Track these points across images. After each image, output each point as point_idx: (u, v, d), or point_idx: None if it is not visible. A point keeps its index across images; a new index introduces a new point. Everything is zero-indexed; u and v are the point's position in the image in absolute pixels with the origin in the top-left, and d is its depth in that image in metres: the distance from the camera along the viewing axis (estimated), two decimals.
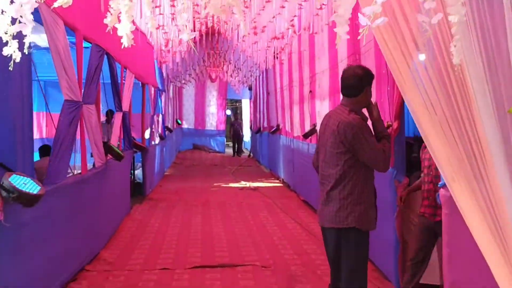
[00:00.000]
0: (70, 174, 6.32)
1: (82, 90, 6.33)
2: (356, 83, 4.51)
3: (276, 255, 7.72)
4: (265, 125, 20.61)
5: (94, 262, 7.23)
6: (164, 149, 18.12)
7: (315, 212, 10.90)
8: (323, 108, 10.14)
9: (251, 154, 26.55)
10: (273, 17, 10.46)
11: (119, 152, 7.94)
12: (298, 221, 10.10)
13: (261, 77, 21.62)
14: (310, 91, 11.22)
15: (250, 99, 30.93)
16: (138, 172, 14.36)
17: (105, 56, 7.63)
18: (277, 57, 14.84)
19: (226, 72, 25.09)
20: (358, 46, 7.44)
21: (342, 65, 8.51)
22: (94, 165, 7.25)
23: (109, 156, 7.90)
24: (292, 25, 9.96)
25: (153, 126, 15.03)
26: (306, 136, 10.90)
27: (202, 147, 29.44)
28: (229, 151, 28.86)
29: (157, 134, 16.04)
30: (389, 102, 6.06)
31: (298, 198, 12.91)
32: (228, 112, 30.30)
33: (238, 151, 27.69)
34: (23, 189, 3.86)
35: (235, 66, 22.31)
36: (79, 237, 6.41)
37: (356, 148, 4.32)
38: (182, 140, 28.38)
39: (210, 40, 19.13)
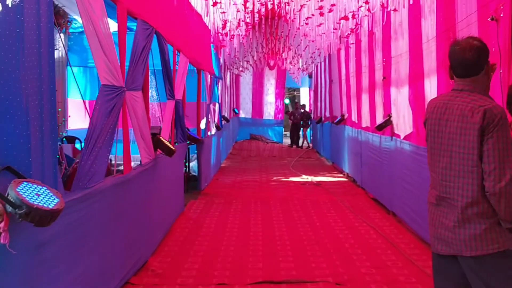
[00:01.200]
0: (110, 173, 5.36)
1: (126, 75, 5.33)
2: (475, 57, 3.37)
3: (350, 268, 6.59)
4: (327, 115, 19.40)
5: (141, 273, 6.26)
6: (221, 139, 17.18)
7: (388, 213, 9.77)
8: (401, 96, 8.92)
9: (310, 145, 25.42)
10: None
11: (170, 146, 6.92)
12: (371, 224, 8.93)
13: (323, 64, 20.40)
14: (384, 78, 10.00)
15: (310, 87, 29.76)
16: (193, 165, 13.45)
17: (155, 36, 6.62)
18: (343, 41, 13.64)
19: (285, 59, 23.97)
20: (453, 19, 6.20)
21: (428, 46, 7.28)
22: (140, 161, 6.24)
23: (159, 151, 6.92)
24: (367, 1, 8.76)
25: (209, 115, 14.07)
26: (379, 128, 9.70)
27: (260, 137, 28.47)
28: (287, 141, 27.74)
29: (213, 124, 15.09)
30: (502, 88, 4.85)
31: (366, 196, 11.72)
32: (287, 101, 29.13)
33: (296, 142, 26.46)
34: (34, 203, 2.86)
35: (295, 53, 21.14)
36: (121, 246, 5.43)
37: (489, 143, 3.16)
38: (239, 130, 27.46)
39: (270, 24, 18.03)
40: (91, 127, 4.33)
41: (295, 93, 39.93)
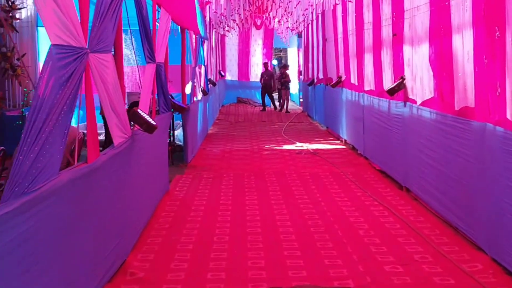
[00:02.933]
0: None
1: (89, 33, 4.07)
2: None
3: (372, 266, 5.45)
4: (321, 76, 18.17)
5: (118, 277, 5.08)
6: (207, 105, 15.95)
7: (401, 189, 8.64)
8: (417, 56, 7.72)
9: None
10: None
11: (150, 121, 5.65)
12: (383, 204, 7.80)
13: (315, 22, 19.06)
14: (394, 35, 8.77)
15: (299, 47, 28.45)
16: (178, 133, 12.26)
17: None
18: None
19: (274, 18, 22.60)
20: None
21: None
22: (112, 142, 4.98)
23: (136, 126, 5.68)
24: None
25: (195, 79, 12.82)
26: (391, 92, 8.48)
27: (247, 100, 27.29)
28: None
29: (200, 89, 13.83)
30: None
31: (371, 167, 10.59)
32: (275, 62, 27.85)
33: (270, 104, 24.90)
34: None
35: (285, 10, 19.78)
36: (90, 250, 4.24)
37: None
38: (226, 94, 26.18)
39: None
40: (35, 104, 3.08)
41: (281, 54, 38.59)
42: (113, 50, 5.06)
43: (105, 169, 4.43)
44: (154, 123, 5.67)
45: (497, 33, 5.01)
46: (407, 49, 8.20)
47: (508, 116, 4.89)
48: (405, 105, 8.36)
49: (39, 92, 3.12)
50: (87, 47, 3.91)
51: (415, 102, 7.88)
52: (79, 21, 3.75)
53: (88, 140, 4.10)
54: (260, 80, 24.56)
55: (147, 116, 5.66)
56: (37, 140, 3.04)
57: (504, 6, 4.86)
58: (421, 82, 7.63)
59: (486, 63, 5.29)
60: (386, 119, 9.50)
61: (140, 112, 5.58)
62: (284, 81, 24.04)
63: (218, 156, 12.42)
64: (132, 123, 5.57)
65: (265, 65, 24.86)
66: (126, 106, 10.01)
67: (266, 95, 24.25)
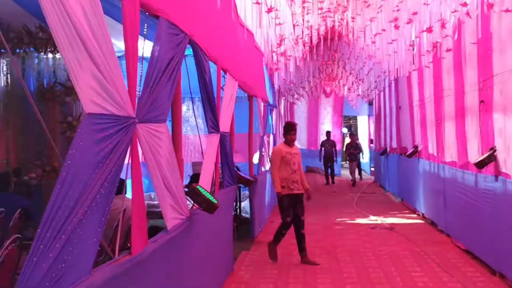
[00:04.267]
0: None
1: (137, 100, 3.50)
2: None
3: None
4: (394, 145, 17.32)
5: None
6: None
7: (493, 274, 7.65)
8: (511, 124, 6.88)
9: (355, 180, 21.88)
10: None
11: (212, 199, 5.00)
12: None
13: (387, 89, 18.37)
14: (481, 102, 7.97)
15: (370, 115, 27.75)
16: (245, 205, 11.61)
17: (188, 46, 4.80)
18: (416, 60, 11.63)
19: (344, 85, 22.07)
20: None
21: None
22: (166, 228, 4.29)
23: (195, 204, 5.03)
24: (465, 3, 6.79)
25: (263, 148, 12.24)
26: (481, 164, 7.59)
27: (316, 169, 26.47)
28: (345, 173, 25.56)
29: (268, 158, 13.22)
30: None
31: (454, 246, 9.60)
32: (345, 130, 27.15)
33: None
34: None
35: (356, 77, 19.23)
36: None
37: None
38: None
39: (329, 46, 16.19)
40: (59, 188, 2.47)
41: (351, 121, 37.90)
42: (170, 118, 4.50)
43: (154, 260, 3.74)
44: (216, 202, 5.01)
45: None
46: (498, 118, 7.36)
47: None
48: (496, 180, 7.46)
49: (64, 172, 2.51)
50: (134, 116, 3.33)
51: (509, 176, 6.99)
52: (126, 86, 3.18)
53: (133, 224, 3.45)
54: (320, 149, 22.96)
55: (208, 194, 5.01)
56: (59, 234, 2.41)
57: None
58: None
59: None
60: (472, 193, 8.58)
61: (200, 188, 4.94)
62: (350, 152, 22.07)
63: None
64: (190, 200, 4.93)
65: (327, 133, 23.41)
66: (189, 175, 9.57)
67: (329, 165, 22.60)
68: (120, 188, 4.11)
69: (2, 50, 9.85)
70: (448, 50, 8.73)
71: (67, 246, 2.47)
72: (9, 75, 10.19)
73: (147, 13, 3.98)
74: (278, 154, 8.67)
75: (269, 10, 7.40)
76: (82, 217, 2.59)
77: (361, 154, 23.09)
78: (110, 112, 2.96)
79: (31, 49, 9.76)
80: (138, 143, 3.50)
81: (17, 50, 9.93)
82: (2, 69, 10.15)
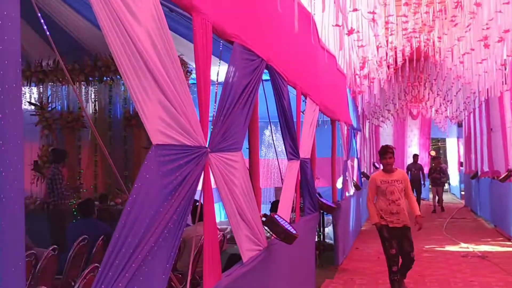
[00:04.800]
0: None
1: (210, 129, 3.40)
2: None
3: None
4: (485, 169, 16.59)
5: None
6: (360, 200, 14.93)
7: None
8: None
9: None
10: None
11: (290, 230, 4.81)
12: None
13: (477, 110, 17.69)
14: None
15: (459, 137, 26.87)
16: (329, 231, 11.34)
17: (265, 70, 4.68)
18: (506, 82, 11.11)
19: (431, 107, 21.44)
20: None
21: None
22: (241, 259, 4.13)
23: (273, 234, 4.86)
24: None
25: (347, 173, 11.96)
26: None
27: None
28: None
29: (352, 183, 12.93)
30: None
31: None
32: (433, 153, 26.37)
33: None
34: None
35: (444, 99, 18.63)
36: None
37: None
38: None
39: (414, 67, 15.76)
40: (122, 224, 2.36)
41: (439, 143, 36.82)
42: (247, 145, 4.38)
43: None
44: (294, 232, 4.82)
45: None
46: None
47: None
48: None
49: (129, 207, 2.41)
50: (207, 146, 3.21)
51: None
52: (198, 116, 3.07)
53: (206, 256, 3.32)
54: (407, 173, 21.81)
55: (287, 223, 4.83)
56: (123, 272, 2.31)
57: None
58: None
59: None
60: None
61: (278, 218, 4.78)
62: (433, 177, 20.67)
63: (372, 257, 11.28)
64: (268, 230, 4.78)
65: (414, 157, 22.42)
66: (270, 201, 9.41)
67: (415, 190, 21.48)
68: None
69: (90, 78, 10.13)
70: None
71: (131, 285, 2.36)
72: (97, 102, 10.47)
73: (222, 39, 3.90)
74: (372, 184, 7.99)
75: (350, 33, 7.21)
76: (147, 253, 2.48)
77: (446, 178, 21.68)
78: (179, 142, 2.85)
79: (117, 76, 9.98)
80: (210, 173, 3.38)
81: (104, 78, 10.19)
82: (91, 97, 10.44)
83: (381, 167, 8.24)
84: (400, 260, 7.92)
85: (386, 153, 7.96)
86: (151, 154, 2.60)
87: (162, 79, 2.69)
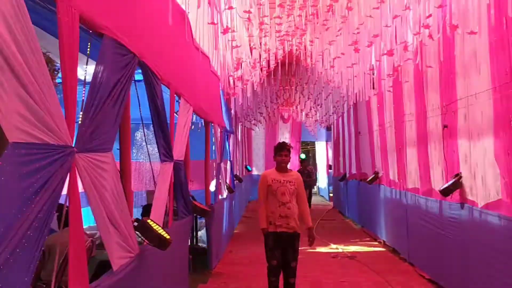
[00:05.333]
0: None
1: (77, 126, 3.09)
2: None
3: None
4: (353, 171, 17.10)
5: None
6: (233, 202, 14.87)
7: None
8: (477, 150, 6.64)
9: None
10: (395, 17, 7.17)
11: (164, 234, 4.56)
12: None
13: (346, 114, 18.22)
14: (445, 126, 7.75)
15: (327, 141, 27.67)
16: (202, 234, 11.14)
17: (138, 67, 4.40)
18: (376, 85, 11.42)
19: (302, 110, 21.87)
20: None
21: None
22: (111, 267, 3.83)
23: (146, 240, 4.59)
24: (427, 25, 6.56)
25: (220, 176, 11.83)
26: (446, 192, 7.34)
27: None
28: None
29: (225, 186, 12.82)
30: None
31: (418, 275, 9.31)
32: (303, 156, 26.92)
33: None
34: None
35: (314, 103, 19.04)
36: None
37: None
38: (252, 189, 25.12)
39: (286, 71, 15.94)
40: None
41: (308, 147, 37.76)
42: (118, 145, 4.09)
43: None
44: (168, 237, 4.58)
45: None
46: (463, 143, 7.14)
47: None
48: (462, 207, 7.21)
49: None
50: (73, 145, 2.91)
51: (476, 204, 6.74)
52: (62, 111, 2.76)
53: (71, 265, 3.00)
54: None
55: (160, 228, 4.58)
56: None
57: None
58: (483, 181, 6.51)
59: None
60: (437, 221, 8.33)
61: (151, 223, 4.51)
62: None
63: (246, 261, 11.21)
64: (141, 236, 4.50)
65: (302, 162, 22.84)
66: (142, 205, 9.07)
67: None
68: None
69: None
70: (395, 84, 8.47)
71: None
72: None
73: (90, 31, 3.58)
74: (263, 182, 7.12)
75: (225, 31, 7.05)
76: (2, 267, 2.16)
77: (313, 180, 22.42)
78: (42, 141, 2.54)
79: None
80: (77, 175, 3.07)
81: None
82: None
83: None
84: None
85: (282, 150, 7.21)
86: (7, 153, 2.28)
87: (22, 71, 2.38)
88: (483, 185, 6.52)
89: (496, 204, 6.13)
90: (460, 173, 7.22)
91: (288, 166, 7.34)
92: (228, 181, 13.60)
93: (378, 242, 13.19)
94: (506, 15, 5.48)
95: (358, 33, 8.70)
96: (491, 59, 6.07)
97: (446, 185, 7.38)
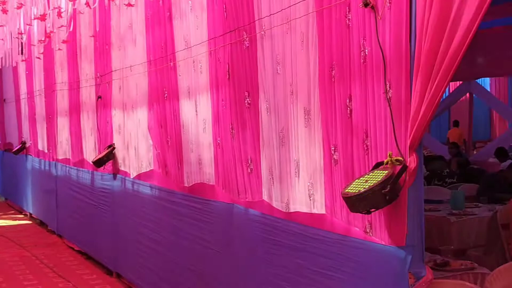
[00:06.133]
0: None
1: None
2: None
3: None
4: None
5: None
6: None
7: (111, 275, 7.43)
8: (131, 122, 6.75)
9: None
10: None
11: None
12: None
13: None
14: (99, 97, 7.71)
15: None
16: None
17: None
18: (23, 52, 10.82)
19: None
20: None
21: (189, 54, 5.28)
22: None
23: None
24: None
25: None
26: (100, 163, 7.28)
27: None
28: None
29: None
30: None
31: (67, 247, 9.20)
32: None
33: None
34: None
35: None
36: None
37: None
38: None
39: None
40: None
41: None
42: None
43: None
44: None
45: (247, 99, 4.29)
46: (117, 114, 7.18)
47: (265, 197, 4.14)
48: (115, 178, 7.28)
49: None
50: None
51: (128, 175, 6.86)
52: None
53: None
54: None
55: None
56: None
57: (257, 68, 4.18)
58: (136, 152, 6.65)
59: (233, 134, 4.52)
60: (88, 193, 8.29)
61: None
62: None
63: None
64: None
65: None
66: None
67: None
68: None
69: None
70: (63, 42, 8.19)
71: None
72: None
73: None
74: None
75: None
76: None
77: None
78: None
79: None
80: None
81: None
82: None
83: None
84: None
85: None
86: None
87: None
88: (136, 156, 6.66)
89: (148, 174, 6.33)
90: (113, 144, 7.26)
91: None
92: None
93: (24, 215, 12.66)
94: None
95: None
96: (147, 32, 6.18)
97: (99, 156, 7.35)
